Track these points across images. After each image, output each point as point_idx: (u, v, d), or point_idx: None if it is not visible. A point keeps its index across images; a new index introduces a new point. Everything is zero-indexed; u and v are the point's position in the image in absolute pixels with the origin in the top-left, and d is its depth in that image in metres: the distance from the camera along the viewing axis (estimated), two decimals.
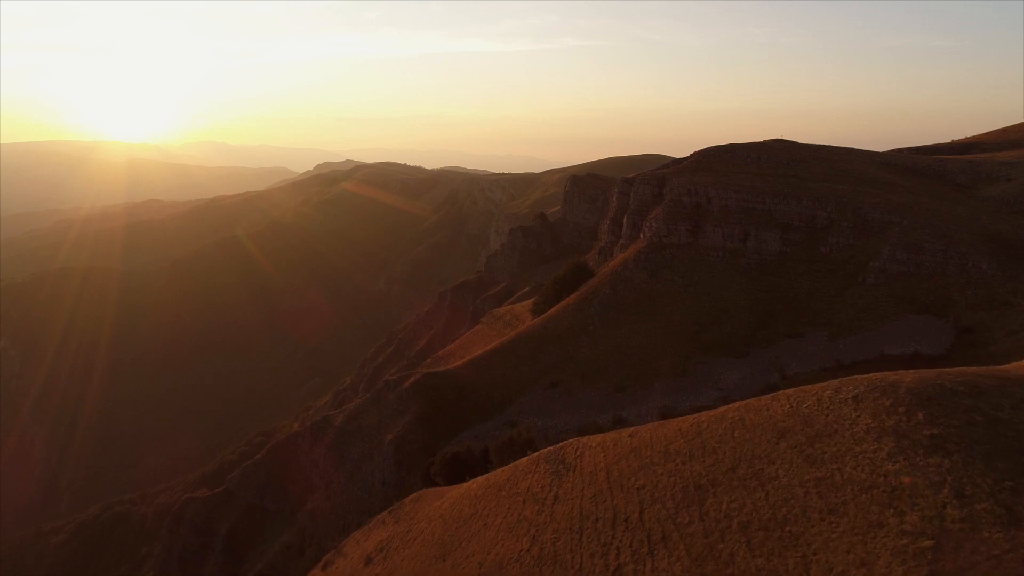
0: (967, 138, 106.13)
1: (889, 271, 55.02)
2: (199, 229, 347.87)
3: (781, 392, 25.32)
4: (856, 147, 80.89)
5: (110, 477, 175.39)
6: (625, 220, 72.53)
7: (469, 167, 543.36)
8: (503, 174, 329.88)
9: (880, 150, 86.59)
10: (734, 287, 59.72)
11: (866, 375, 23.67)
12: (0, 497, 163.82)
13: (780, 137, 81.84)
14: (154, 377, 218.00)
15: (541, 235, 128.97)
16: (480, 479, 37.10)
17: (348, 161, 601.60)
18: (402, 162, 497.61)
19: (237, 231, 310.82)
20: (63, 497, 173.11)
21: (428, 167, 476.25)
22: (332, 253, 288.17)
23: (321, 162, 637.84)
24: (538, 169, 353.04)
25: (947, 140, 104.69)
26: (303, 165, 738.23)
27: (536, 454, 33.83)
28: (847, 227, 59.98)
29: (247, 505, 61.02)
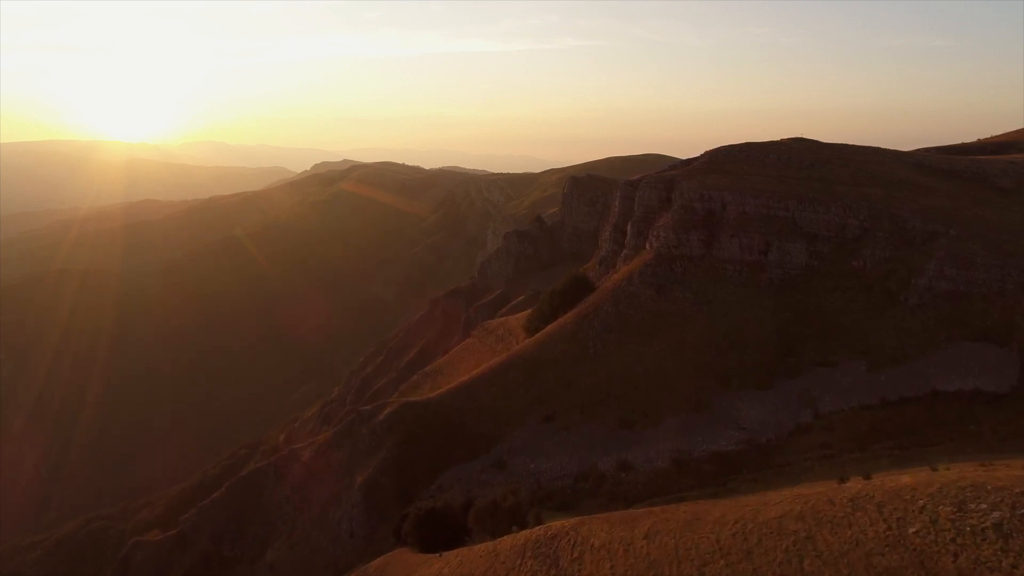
0: (996, 136, 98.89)
1: (936, 289, 47.70)
2: (194, 230, 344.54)
3: (863, 489, 17.95)
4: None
5: (106, 486, 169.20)
6: (629, 228, 65.11)
7: (468, 167, 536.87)
8: (501, 174, 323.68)
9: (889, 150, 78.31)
10: (755, 306, 52.40)
11: (1000, 477, 16.19)
12: None
13: (791, 136, 74.42)
14: (152, 381, 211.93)
15: (538, 240, 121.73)
16: (454, 560, 29.86)
17: (346, 161, 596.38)
18: (401, 162, 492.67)
19: (236, 231, 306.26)
20: (58, 506, 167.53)
21: (427, 167, 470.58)
22: (328, 254, 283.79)
23: (319, 162, 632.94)
24: (538, 169, 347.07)
25: (952, 140, 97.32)
26: (302, 165, 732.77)
27: (523, 539, 26.52)
28: (883, 237, 52.65)
29: (203, 551, 53.84)
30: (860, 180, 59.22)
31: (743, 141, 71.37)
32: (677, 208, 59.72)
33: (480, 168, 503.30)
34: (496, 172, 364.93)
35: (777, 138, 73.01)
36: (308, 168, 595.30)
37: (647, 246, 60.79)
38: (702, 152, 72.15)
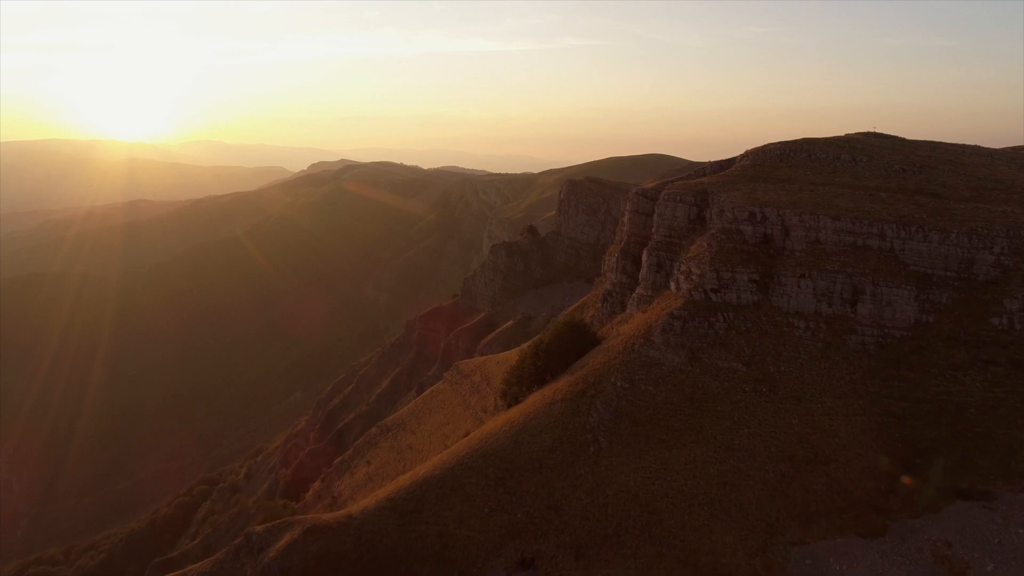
0: None
1: None
2: (187, 230, 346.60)
3: None
4: None
5: (101, 496, 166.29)
6: (645, 256, 46.69)
7: (467, 167, 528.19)
8: (498, 175, 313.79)
9: None
10: (842, 388, 34.27)
11: None
12: None
13: (861, 131, 56.39)
14: (150, 382, 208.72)
15: (529, 253, 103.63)
16: None
17: (342, 160, 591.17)
18: (400, 162, 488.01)
19: (231, 232, 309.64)
20: (49, 516, 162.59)
21: (426, 167, 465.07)
22: (319, 256, 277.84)
23: (316, 161, 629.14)
24: (537, 169, 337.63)
25: (952, 141, 78.51)
26: (300, 165, 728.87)
27: None
28: None
29: None
30: (983, 192, 41.13)
31: (744, 141, 53.85)
32: (716, 232, 41.47)
33: (479, 168, 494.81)
34: (495, 172, 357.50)
35: (780, 138, 54.86)
36: (306, 168, 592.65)
37: (672, 286, 42.50)
38: (710, 153, 54.92)
